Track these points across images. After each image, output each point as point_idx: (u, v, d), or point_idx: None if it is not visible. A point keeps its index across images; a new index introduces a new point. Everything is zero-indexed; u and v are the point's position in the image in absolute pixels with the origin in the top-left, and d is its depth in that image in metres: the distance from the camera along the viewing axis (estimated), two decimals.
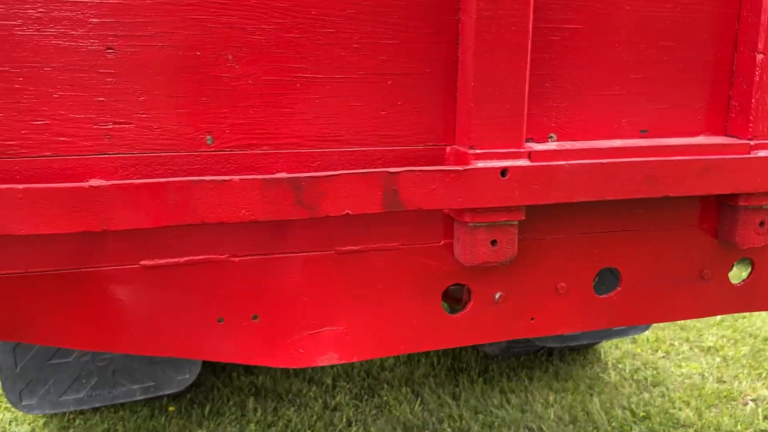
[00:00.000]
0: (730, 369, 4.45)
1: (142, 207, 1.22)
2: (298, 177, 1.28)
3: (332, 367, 4.37)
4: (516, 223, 1.44)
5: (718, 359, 4.54)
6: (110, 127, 1.27)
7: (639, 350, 4.66)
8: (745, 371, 4.41)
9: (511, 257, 1.46)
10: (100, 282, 1.34)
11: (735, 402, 4.10)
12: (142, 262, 1.34)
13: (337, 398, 4.00)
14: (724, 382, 4.30)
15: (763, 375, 4.37)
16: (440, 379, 4.31)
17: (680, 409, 3.98)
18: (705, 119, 1.61)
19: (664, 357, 4.59)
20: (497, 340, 1.60)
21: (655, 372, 4.38)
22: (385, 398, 4.04)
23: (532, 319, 1.62)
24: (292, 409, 3.88)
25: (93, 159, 1.27)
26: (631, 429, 3.75)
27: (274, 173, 1.36)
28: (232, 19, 1.28)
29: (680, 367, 4.46)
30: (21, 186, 1.17)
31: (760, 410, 3.96)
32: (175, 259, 1.36)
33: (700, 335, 4.84)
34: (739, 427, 3.83)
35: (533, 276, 1.59)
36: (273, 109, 1.34)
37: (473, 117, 1.36)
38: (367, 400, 4.02)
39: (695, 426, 3.83)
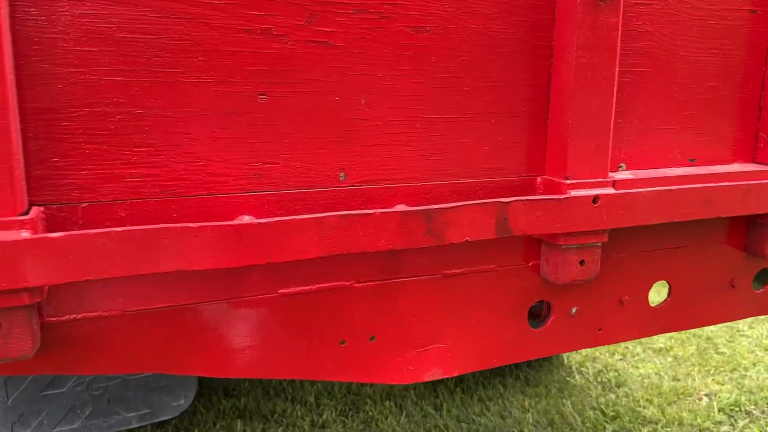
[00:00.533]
0: (681, 367, 4.81)
1: (302, 240, 1.32)
2: (429, 209, 1.41)
3: (313, 384, 4.44)
4: (600, 244, 1.62)
5: (669, 359, 4.90)
6: (259, 166, 1.36)
7: (598, 354, 4.96)
8: (695, 369, 4.78)
9: (595, 275, 1.64)
10: (244, 310, 1.42)
11: (691, 397, 4.45)
12: (281, 291, 1.43)
13: (324, 416, 4.08)
14: (679, 380, 4.65)
15: (711, 371, 4.76)
16: (420, 391, 4.45)
17: (645, 408, 4.28)
18: (737, 149, 1.84)
19: (621, 359, 4.91)
20: (570, 351, 1.77)
21: (616, 374, 4.68)
22: (370, 413, 4.14)
23: (599, 330, 1.80)
24: (280, 429, 3.93)
25: (243, 197, 1.36)
26: (604, 428, 4.01)
27: (393, 205, 1.48)
28: (367, 68, 1.40)
29: (637, 368, 4.78)
30: (195, 225, 1.25)
31: (714, 404, 4.32)
32: (309, 287, 1.45)
33: (650, 337, 5.19)
34: (698, 420, 4.16)
35: (602, 290, 1.78)
36: (396, 147, 1.47)
37: (569, 150, 1.53)
38: (353, 416, 4.11)
39: (661, 422, 4.13)
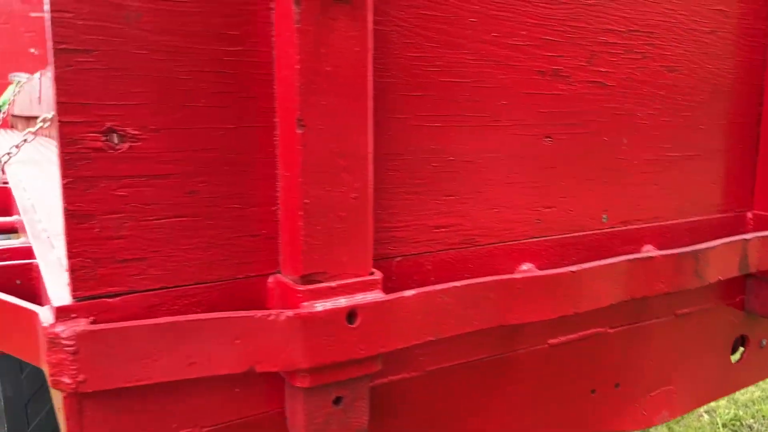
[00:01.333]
0: None
1: (598, 287, 1.27)
2: (696, 250, 1.40)
3: None
4: None
5: None
6: (540, 211, 1.31)
7: None
8: None
9: None
10: (514, 365, 1.34)
11: (693, 416, 4.61)
12: (550, 341, 1.37)
13: None
14: None
15: None
16: None
17: (655, 428, 4.39)
18: None
19: None
20: (757, 382, 1.78)
21: None
22: None
23: None
24: None
25: (525, 243, 1.30)
26: None
27: (642, 246, 1.46)
28: (630, 107, 1.39)
29: None
30: (519, 276, 1.18)
31: (717, 420, 4.49)
32: (572, 335, 1.40)
33: None
34: None
35: None
36: (646, 187, 1.45)
37: None
38: None
39: None
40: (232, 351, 0.95)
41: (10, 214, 2.13)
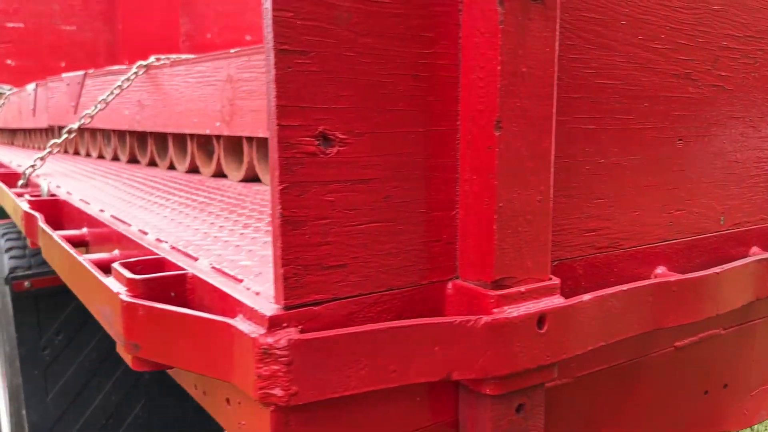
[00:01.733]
0: None
1: (734, 288, 1.28)
2: None
3: None
4: None
5: None
6: (672, 213, 1.31)
7: None
8: None
9: None
10: (645, 368, 1.34)
11: None
12: (676, 344, 1.38)
13: None
14: None
15: None
16: None
17: None
18: None
19: None
20: None
21: None
22: None
23: None
24: None
25: (659, 246, 1.30)
26: None
27: (750, 248, 1.48)
28: (744, 111, 1.41)
29: None
30: (674, 278, 1.18)
31: None
32: (695, 337, 1.41)
33: None
34: None
35: None
36: (754, 189, 1.47)
37: None
38: None
39: None
40: (431, 358, 0.92)
41: (62, 227, 2.06)
